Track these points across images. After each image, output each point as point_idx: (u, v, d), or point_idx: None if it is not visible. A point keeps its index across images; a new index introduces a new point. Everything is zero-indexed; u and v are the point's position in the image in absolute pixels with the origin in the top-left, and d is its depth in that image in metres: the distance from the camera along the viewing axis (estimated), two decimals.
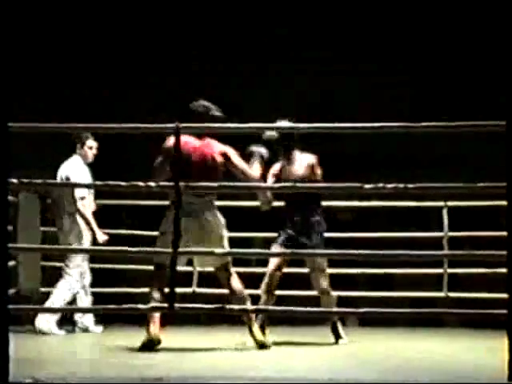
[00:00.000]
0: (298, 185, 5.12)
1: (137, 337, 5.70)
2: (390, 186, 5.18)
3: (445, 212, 7.90)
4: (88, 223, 7.11)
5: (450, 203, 7.86)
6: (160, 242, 5.72)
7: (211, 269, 5.98)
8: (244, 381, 4.11)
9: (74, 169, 7.23)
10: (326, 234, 6.59)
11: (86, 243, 7.11)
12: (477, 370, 4.90)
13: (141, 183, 4.91)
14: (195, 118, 5.71)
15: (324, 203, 6.54)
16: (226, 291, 5.90)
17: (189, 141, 5.69)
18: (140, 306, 4.93)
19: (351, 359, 5.44)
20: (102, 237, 7.08)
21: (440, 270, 7.93)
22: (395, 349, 6.09)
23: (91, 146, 7.30)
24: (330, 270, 7.34)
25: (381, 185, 5.32)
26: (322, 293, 6.26)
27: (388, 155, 9.74)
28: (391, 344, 6.46)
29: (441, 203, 7.92)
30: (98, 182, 5.46)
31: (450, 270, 7.90)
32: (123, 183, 4.91)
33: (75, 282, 7.08)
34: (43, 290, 7.88)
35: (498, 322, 6.99)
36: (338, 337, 6.33)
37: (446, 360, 5.47)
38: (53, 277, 8.01)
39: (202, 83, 9.65)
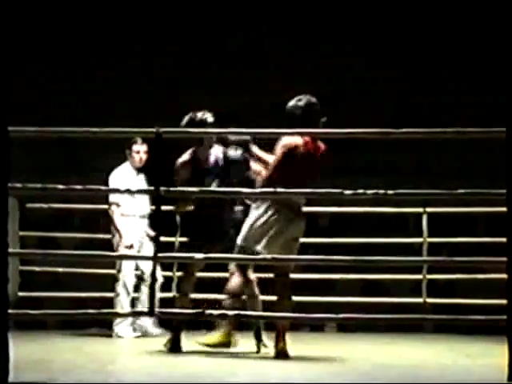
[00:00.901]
0: (280, 190, 5.11)
1: (113, 343, 5.67)
2: (370, 192, 5.21)
3: (424, 218, 7.95)
4: (116, 228, 7.11)
5: (429, 209, 7.91)
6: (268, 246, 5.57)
7: None
8: None
9: (117, 175, 7.21)
10: (306, 240, 6.59)
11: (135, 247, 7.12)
12: (455, 374, 4.93)
13: (121, 188, 4.89)
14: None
15: (305, 209, 6.52)
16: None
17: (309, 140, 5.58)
18: (119, 311, 4.91)
19: (328, 365, 5.44)
20: (127, 242, 7.02)
21: (419, 276, 7.96)
22: (373, 354, 6.11)
23: (138, 150, 7.21)
24: (309, 276, 7.37)
25: (361, 191, 5.35)
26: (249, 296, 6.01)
27: (369, 162, 9.78)
28: (369, 349, 6.48)
29: (420, 209, 7.97)
30: (61, 186, 5.36)
31: (428, 276, 7.94)
32: (103, 187, 4.89)
33: (130, 283, 7.08)
34: (21, 294, 7.86)
35: (477, 327, 7.09)
36: (260, 341, 6.00)
37: (421, 364, 5.49)
38: (31, 282, 8.00)
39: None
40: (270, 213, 5.57)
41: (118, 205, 7.13)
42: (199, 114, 5.89)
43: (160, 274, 6.95)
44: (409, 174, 9.46)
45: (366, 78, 10.07)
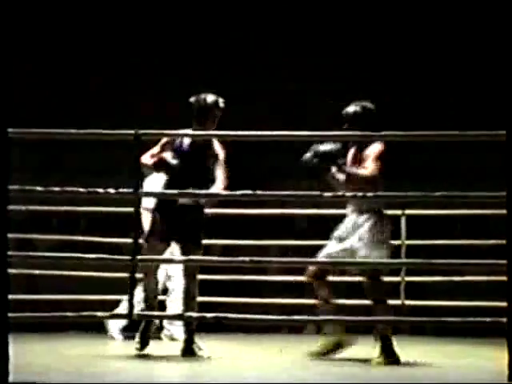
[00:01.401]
0: (259, 192, 5.10)
1: (94, 344, 5.63)
2: (348, 194, 5.21)
3: (403, 220, 7.95)
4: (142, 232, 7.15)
5: (407, 211, 7.92)
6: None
7: None
8: None
9: (150, 179, 7.09)
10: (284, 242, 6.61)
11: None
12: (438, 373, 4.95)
13: (100, 190, 4.86)
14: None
15: (284, 211, 6.54)
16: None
17: None
18: (99, 313, 4.87)
19: (313, 366, 5.43)
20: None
21: (397, 278, 7.97)
22: (353, 356, 6.10)
23: None
24: (289, 278, 7.35)
25: (340, 193, 5.35)
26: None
27: None
28: (349, 351, 6.47)
29: (398, 212, 7.97)
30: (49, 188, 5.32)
31: (407, 278, 7.94)
32: (82, 189, 4.86)
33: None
34: None
35: (454, 329, 7.11)
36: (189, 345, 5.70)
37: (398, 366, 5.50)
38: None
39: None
40: (385, 222, 5.67)
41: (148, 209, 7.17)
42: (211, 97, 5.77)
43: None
44: (388, 176, 9.46)
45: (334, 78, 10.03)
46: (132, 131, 4.79)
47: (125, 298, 7.07)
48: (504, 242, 7.18)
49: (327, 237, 8.21)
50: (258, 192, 5.07)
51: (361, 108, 5.67)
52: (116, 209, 7.26)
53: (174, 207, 5.58)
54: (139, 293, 6.88)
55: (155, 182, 7.16)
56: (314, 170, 5.65)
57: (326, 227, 8.82)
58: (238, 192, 5.90)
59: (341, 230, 5.73)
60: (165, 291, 7.12)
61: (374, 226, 5.58)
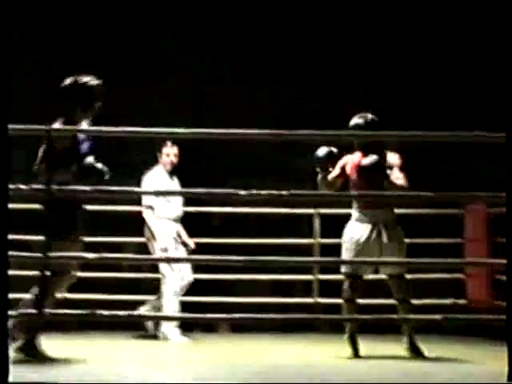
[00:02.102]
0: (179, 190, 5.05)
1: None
2: (263, 192, 5.21)
3: (316, 219, 8.02)
4: (151, 232, 7.05)
5: (320, 210, 7.99)
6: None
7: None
8: None
9: (150, 178, 7.15)
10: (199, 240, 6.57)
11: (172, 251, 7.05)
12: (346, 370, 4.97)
13: (12, 186, 4.73)
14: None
15: (200, 209, 6.48)
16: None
17: None
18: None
19: (220, 364, 5.42)
20: (162, 245, 6.99)
21: (310, 277, 8.03)
22: (265, 353, 6.11)
23: (168, 153, 7.17)
24: (204, 276, 7.34)
25: (255, 191, 5.34)
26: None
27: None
28: (262, 349, 6.49)
29: (312, 210, 8.04)
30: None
31: (320, 276, 8.01)
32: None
33: (175, 285, 7.04)
34: None
35: (369, 326, 7.17)
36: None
37: (312, 364, 5.52)
38: None
39: None
40: None
41: (151, 207, 7.10)
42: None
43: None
44: (300, 176, 9.51)
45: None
46: (43, 126, 4.68)
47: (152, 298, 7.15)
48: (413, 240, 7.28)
49: (242, 235, 8.25)
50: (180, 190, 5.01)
51: (363, 120, 5.97)
52: (25, 205, 7.11)
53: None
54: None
55: (153, 180, 7.14)
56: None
57: (240, 225, 8.91)
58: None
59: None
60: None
61: None
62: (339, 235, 8.01)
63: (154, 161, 7.25)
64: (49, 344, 5.34)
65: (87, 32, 9.91)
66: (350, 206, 6.18)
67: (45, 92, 9.33)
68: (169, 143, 7.18)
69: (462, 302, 8.03)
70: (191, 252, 7.17)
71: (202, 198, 7.01)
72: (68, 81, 5.49)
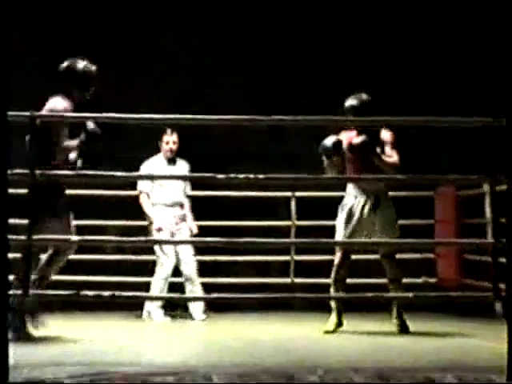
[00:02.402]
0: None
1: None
2: (241, 176, 5.20)
3: (292, 202, 8.04)
4: (146, 214, 7.14)
5: (297, 194, 8.02)
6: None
7: None
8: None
9: (147, 165, 7.19)
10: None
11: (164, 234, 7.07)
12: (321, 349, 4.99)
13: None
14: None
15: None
16: None
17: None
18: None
19: (199, 343, 5.43)
20: (156, 226, 7.07)
21: (287, 257, 8.05)
22: (242, 332, 6.12)
23: (167, 140, 7.18)
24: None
25: (232, 175, 5.33)
26: None
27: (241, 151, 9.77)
28: (239, 328, 6.49)
29: (289, 193, 8.05)
30: None
31: (296, 257, 8.04)
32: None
33: (167, 268, 7.06)
34: None
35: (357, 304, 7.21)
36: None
37: (289, 342, 5.54)
38: None
39: None
40: None
41: (143, 192, 7.17)
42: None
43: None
44: (277, 161, 9.51)
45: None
46: (27, 113, 4.64)
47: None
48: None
49: (222, 217, 8.24)
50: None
51: (358, 101, 5.97)
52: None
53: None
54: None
55: (148, 166, 7.13)
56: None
57: (218, 208, 8.91)
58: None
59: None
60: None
61: None
62: (315, 217, 8.06)
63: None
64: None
65: (87, 32, 9.84)
66: (325, 189, 6.20)
67: (44, 89, 9.31)
68: (169, 131, 7.18)
69: (432, 280, 8.08)
70: (194, 236, 7.17)
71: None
72: (65, 64, 5.55)
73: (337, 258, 6.10)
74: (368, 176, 5.96)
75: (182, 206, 7.26)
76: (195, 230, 7.21)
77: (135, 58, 9.61)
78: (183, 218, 7.24)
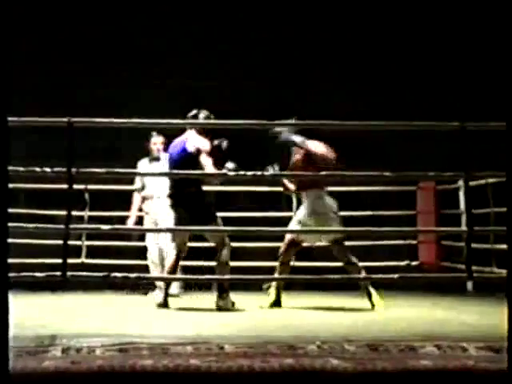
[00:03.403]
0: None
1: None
2: (249, 173, 5.25)
3: (293, 196, 8.07)
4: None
5: None
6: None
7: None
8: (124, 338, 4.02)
9: (139, 164, 7.20)
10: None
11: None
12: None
13: (37, 168, 4.75)
14: None
15: None
16: None
17: None
18: (37, 274, 4.77)
19: (212, 319, 5.46)
20: (130, 222, 7.19)
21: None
22: (248, 309, 6.15)
23: (155, 142, 7.17)
24: (200, 244, 7.35)
25: (242, 172, 5.39)
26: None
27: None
28: (245, 306, 6.53)
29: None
30: None
31: None
32: (21, 168, 4.75)
33: (153, 256, 7.18)
34: None
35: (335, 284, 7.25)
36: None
37: (290, 318, 5.57)
38: None
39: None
40: None
41: (137, 190, 7.26)
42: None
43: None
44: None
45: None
46: (65, 119, 4.69)
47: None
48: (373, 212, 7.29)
49: (232, 209, 8.21)
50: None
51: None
52: (53, 185, 7.13)
53: None
54: None
55: (139, 167, 7.19)
56: None
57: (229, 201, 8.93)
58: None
59: None
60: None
61: None
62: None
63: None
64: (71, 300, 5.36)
65: (86, 33, 9.80)
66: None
67: (45, 91, 9.31)
68: (154, 133, 7.18)
69: (414, 263, 8.12)
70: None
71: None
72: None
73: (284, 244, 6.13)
74: (367, 173, 5.91)
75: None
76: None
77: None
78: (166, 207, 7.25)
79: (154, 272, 7.17)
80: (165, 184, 7.16)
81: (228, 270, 5.94)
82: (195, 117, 5.97)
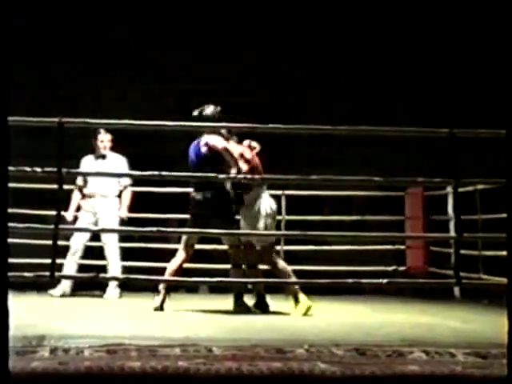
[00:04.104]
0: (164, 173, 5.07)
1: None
2: (240, 176, 5.24)
3: (283, 199, 8.08)
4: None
5: (286, 192, 8.06)
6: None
7: None
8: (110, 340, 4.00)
9: (83, 160, 7.12)
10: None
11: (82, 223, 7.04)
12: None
13: (27, 168, 4.72)
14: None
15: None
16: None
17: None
18: (26, 273, 4.74)
19: (201, 321, 5.46)
20: (67, 217, 7.01)
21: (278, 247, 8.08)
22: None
23: (102, 139, 7.09)
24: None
25: (233, 175, 5.37)
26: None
27: None
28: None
29: (279, 192, 8.09)
30: None
31: (285, 247, 8.07)
32: (12, 168, 4.71)
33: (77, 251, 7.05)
34: None
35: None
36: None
37: (279, 321, 5.57)
38: None
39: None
40: None
41: (78, 187, 7.17)
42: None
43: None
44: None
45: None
46: (55, 119, 4.67)
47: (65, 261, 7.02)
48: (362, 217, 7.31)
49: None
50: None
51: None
52: (39, 185, 7.11)
53: None
54: None
55: (82, 163, 7.14)
56: None
57: None
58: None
59: None
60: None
61: None
62: (303, 213, 8.05)
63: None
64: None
65: (75, 35, 9.78)
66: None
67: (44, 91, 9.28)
68: (102, 131, 7.09)
69: (402, 268, 8.13)
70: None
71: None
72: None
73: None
74: (356, 178, 5.90)
75: (118, 196, 7.21)
76: (124, 216, 7.11)
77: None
78: (110, 206, 7.13)
79: (68, 265, 6.91)
80: (110, 183, 7.16)
81: (241, 274, 5.88)
82: (200, 115, 5.87)
